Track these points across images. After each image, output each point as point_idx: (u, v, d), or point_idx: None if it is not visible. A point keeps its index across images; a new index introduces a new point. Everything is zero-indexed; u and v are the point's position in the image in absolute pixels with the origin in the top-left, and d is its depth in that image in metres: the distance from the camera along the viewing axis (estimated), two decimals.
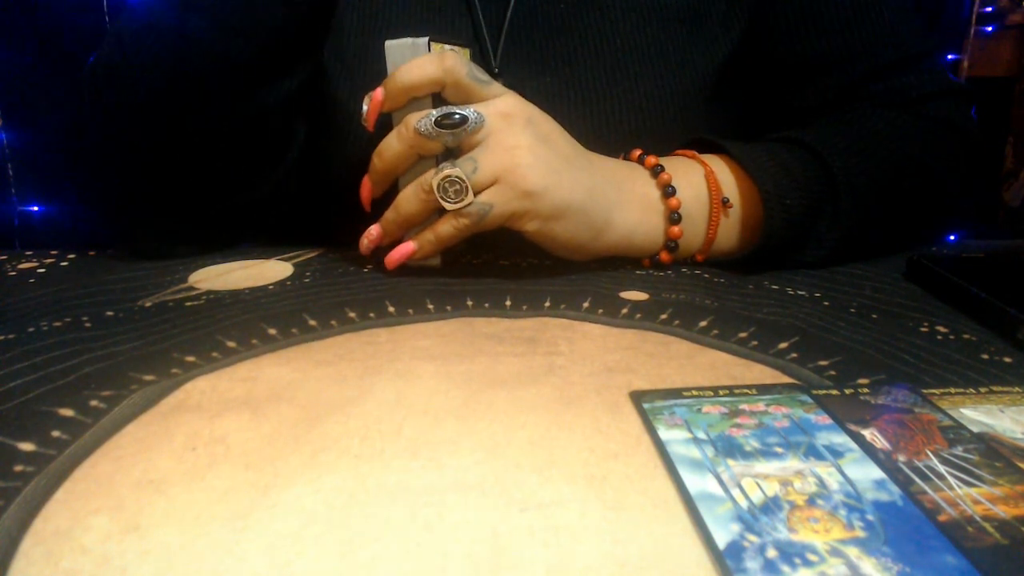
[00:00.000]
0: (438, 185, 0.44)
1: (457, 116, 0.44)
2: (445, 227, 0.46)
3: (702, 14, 0.57)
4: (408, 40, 0.46)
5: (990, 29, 1.64)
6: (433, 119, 0.44)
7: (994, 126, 1.66)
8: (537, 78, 0.56)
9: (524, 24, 0.57)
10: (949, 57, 1.60)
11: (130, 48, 0.49)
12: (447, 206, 0.45)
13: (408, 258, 0.48)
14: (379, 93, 0.46)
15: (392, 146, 0.46)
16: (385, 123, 0.47)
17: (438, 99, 0.46)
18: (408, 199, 0.46)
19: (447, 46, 0.47)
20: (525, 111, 0.45)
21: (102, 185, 0.54)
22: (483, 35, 0.57)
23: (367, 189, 0.48)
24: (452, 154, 0.45)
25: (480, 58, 0.57)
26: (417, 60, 0.44)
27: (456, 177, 0.44)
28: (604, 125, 0.56)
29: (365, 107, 0.46)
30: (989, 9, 1.63)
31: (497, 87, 0.46)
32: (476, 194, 0.44)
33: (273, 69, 0.51)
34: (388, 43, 0.46)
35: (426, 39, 0.45)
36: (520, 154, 0.44)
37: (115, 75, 0.50)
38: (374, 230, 0.49)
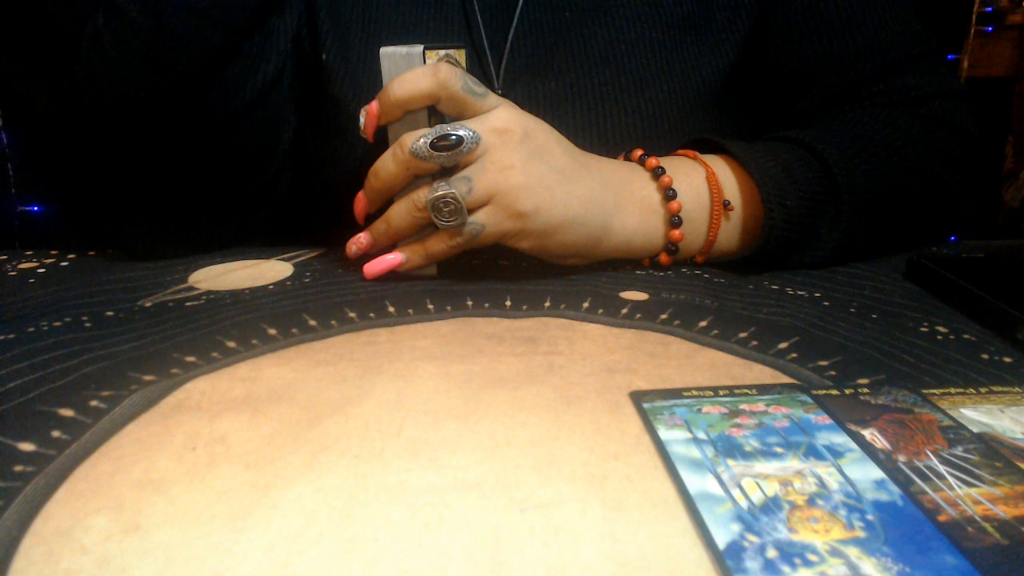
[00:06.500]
0: (432, 204, 0.44)
1: (453, 138, 0.43)
2: (437, 244, 0.46)
3: (706, 21, 0.57)
4: (403, 49, 0.46)
5: (990, 29, 1.64)
6: (429, 141, 0.44)
7: (994, 126, 1.66)
8: (542, 85, 0.56)
9: (529, 32, 0.57)
10: (949, 57, 1.60)
11: (112, 50, 0.49)
12: (440, 224, 0.45)
13: (393, 270, 0.48)
14: (374, 107, 0.45)
15: (387, 167, 0.46)
16: (384, 132, 0.47)
17: (433, 110, 0.45)
18: (400, 214, 0.46)
19: (443, 51, 0.47)
20: (521, 124, 0.45)
21: (92, 185, 0.54)
22: (483, 45, 0.57)
23: (361, 205, 0.48)
24: (447, 170, 0.45)
25: (480, 69, 0.57)
26: (411, 73, 0.44)
27: (451, 198, 0.44)
28: (609, 132, 0.56)
29: (362, 120, 0.46)
30: (989, 9, 1.63)
31: (493, 99, 0.45)
32: (470, 213, 0.45)
33: (249, 55, 0.51)
34: (383, 51, 0.46)
35: (421, 48, 0.45)
36: (513, 175, 0.44)
37: (98, 78, 0.50)
38: (363, 238, 0.49)
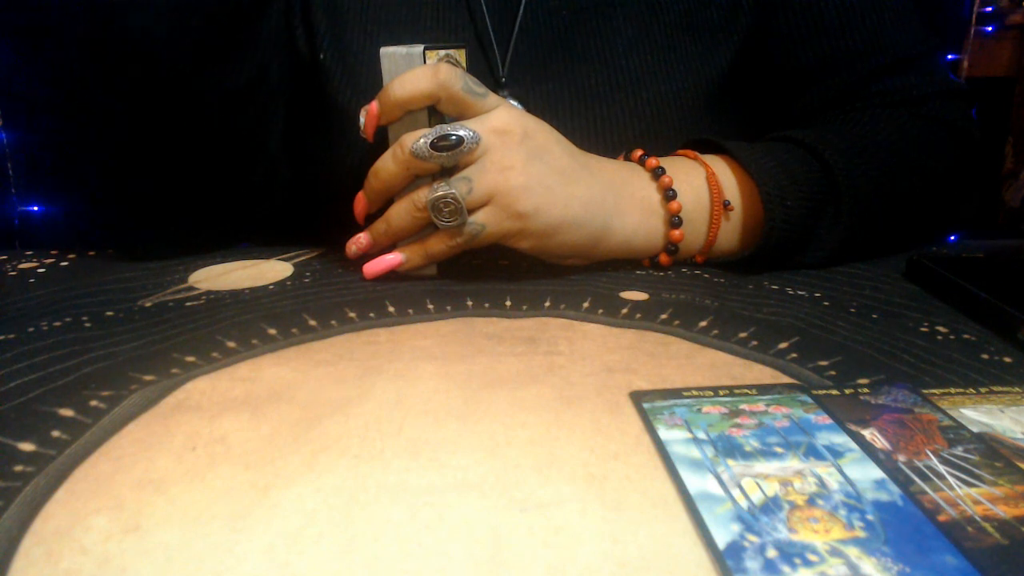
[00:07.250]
0: (432, 204, 0.44)
1: (453, 138, 0.43)
2: (437, 244, 0.46)
3: (704, 21, 0.57)
4: (403, 49, 0.46)
5: (990, 29, 1.64)
6: (429, 141, 0.44)
7: (994, 126, 1.66)
8: (541, 85, 0.56)
9: (529, 32, 0.57)
10: (949, 57, 1.60)
11: (88, 54, 0.49)
12: (440, 224, 0.45)
13: (393, 270, 0.48)
14: (374, 107, 0.46)
15: (388, 167, 0.46)
16: (384, 132, 0.47)
17: (433, 110, 0.45)
18: (400, 214, 0.46)
19: (443, 51, 0.47)
20: (521, 125, 0.45)
21: (90, 185, 0.54)
22: (491, 43, 0.57)
23: (361, 205, 0.48)
24: (447, 171, 0.45)
25: (486, 66, 0.57)
26: (411, 73, 0.44)
27: (451, 198, 0.44)
28: (607, 131, 0.56)
29: (362, 120, 0.46)
30: (989, 9, 1.63)
31: (493, 99, 0.45)
32: (470, 213, 0.45)
33: (227, 49, 0.51)
34: (383, 51, 0.46)
35: (421, 48, 0.45)
36: (513, 175, 0.44)
37: (80, 78, 0.50)
38: (363, 238, 0.49)
